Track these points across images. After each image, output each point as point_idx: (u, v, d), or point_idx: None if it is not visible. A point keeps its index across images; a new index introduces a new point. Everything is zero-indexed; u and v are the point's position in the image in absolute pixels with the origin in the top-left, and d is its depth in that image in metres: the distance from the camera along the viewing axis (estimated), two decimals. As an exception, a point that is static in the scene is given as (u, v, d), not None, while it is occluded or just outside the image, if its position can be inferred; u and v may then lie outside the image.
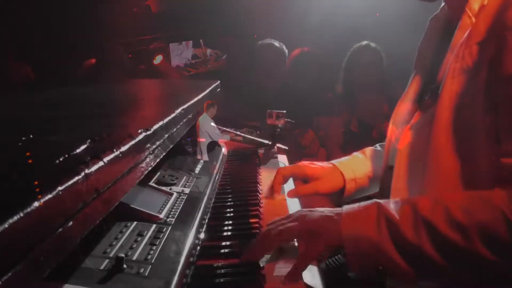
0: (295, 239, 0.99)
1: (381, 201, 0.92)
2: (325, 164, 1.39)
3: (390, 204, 0.89)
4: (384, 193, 1.19)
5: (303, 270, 0.92)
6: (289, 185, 1.45)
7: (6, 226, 0.37)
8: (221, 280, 0.90)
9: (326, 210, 0.97)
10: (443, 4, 1.15)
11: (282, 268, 0.95)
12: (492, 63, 0.86)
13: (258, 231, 1.13)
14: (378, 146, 1.49)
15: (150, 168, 0.80)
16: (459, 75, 0.93)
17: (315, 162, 1.39)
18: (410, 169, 1.06)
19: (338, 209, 0.95)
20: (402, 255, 0.84)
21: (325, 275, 1.32)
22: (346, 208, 0.94)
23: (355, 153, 1.46)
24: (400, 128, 1.17)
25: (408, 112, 1.16)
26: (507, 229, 0.75)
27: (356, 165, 1.39)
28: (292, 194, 1.32)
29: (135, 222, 0.99)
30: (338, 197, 1.39)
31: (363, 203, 0.93)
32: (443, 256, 0.81)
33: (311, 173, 1.33)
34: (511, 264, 0.78)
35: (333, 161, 1.41)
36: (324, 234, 0.92)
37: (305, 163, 1.38)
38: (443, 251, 0.81)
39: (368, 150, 1.46)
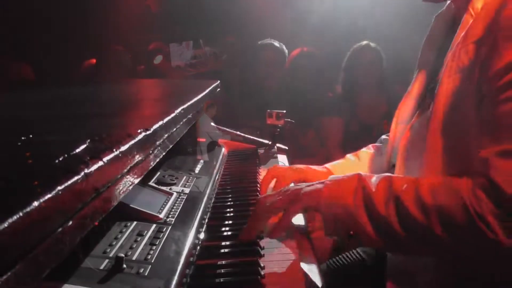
0: (278, 212, 1.06)
1: (364, 173, 0.98)
2: (319, 168, 1.41)
3: (373, 178, 0.96)
4: None
5: (285, 227, 1.04)
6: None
7: (6, 225, 0.37)
8: (221, 280, 0.90)
9: (310, 183, 1.06)
10: (448, 1, 1.15)
11: (282, 268, 0.96)
12: (483, 63, 0.87)
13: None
14: (371, 147, 1.49)
15: (150, 168, 0.80)
16: (455, 74, 0.93)
17: (310, 166, 1.41)
18: (407, 168, 1.08)
19: (322, 180, 1.04)
20: (372, 224, 0.91)
21: (325, 275, 1.33)
22: (331, 177, 1.04)
23: (348, 155, 1.48)
24: (403, 128, 1.18)
25: (411, 110, 1.17)
26: (464, 215, 0.80)
27: (349, 169, 1.38)
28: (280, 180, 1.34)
29: (135, 222, 0.99)
30: None
31: (347, 174, 1.01)
32: (405, 230, 0.87)
33: (303, 177, 1.35)
34: (460, 247, 0.84)
35: (327, 165, 1.43)
36: (305, 196, 1.01)
37: (299, 166, 1.40)
38: (406, 225, 0.87)
39: (363, 152, 1.48)
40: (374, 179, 0.95)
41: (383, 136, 1.50)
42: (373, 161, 1.43)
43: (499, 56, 0.83)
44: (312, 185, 1.04)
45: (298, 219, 1.17)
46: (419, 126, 1.06)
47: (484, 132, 0.85)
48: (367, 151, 1.48)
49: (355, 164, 1.43)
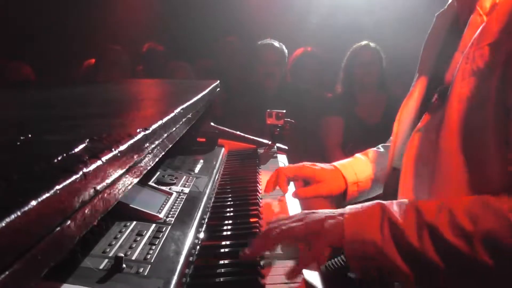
0: (295, 240, 0.96)
1: (384, 202, 0.90)
2: (327, 166, 1.37)
3: (394, 206, 0.88)
4: (388, 195, 1.16)
5: (306, 267, 0.92)
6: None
7: (4, 225, 0.37)
8: (221, 280, 0.90)
9: (329, 211, 0.95)
10: (450, 0, 1.13)
11: (281, 268, 0.95)
12: (506, 66, 0.82)
13: (258, 230, 1.13)
14: (381, 148, 1.48)
15: (149, 168, 0.80)
16: (470, 77, 0.89)
17: (317, 164, 1.38)
18: (417, 173, 1.03)
19: (341, 210, 0.94)
20: (404, 259, 0.82)
21: (325, 277, 1.32)
22: (350, 208, 0.93)
23: (357, 155, 1.45)
24: (406, 130, 1.14)
25: (415, 113, 1.13)
26: None
27: (359, 168, 1.37)
28: (293, 195, 1.31)
29: (134, 222, 0.99)
30: (339, 199, 1.38)
31: (366, 204, 0.92)
32: (446, 262, 0.79)
33: (312, 175, 1.32)
34: None
35: (335, 163, 1.39)
36: (326, 234, 0.90)
37: (306, 164, 1.36)
38: (445, 257, 0.79)
39: (371, 151, 1.45)
40: (396, 207, 0.87)
41: (390, 140, 1.48)
42: (380, 160, 1.40)
43: None
44: (333, 217, 0.93)
45: None
46: (428, 130, 1.00)
47: None
48: (375, 150, 1.45)
49: (364, 162, 1.39)
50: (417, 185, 1.02)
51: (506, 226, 0.74)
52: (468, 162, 0.88)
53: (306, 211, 1.00)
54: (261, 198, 1.37)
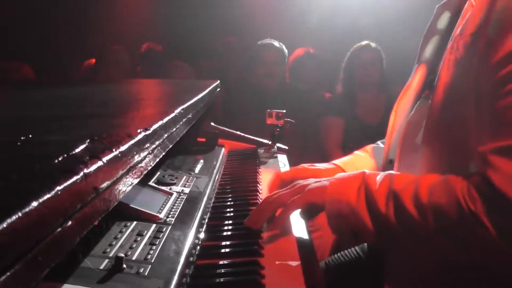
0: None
1: (368, 171, 0.99)
2: (326, 165, 1.37)
3: (377, 176, 0.96)
4: None
5: (285, 218, 1.04)
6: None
7: (5, 226, 0.37)
8: (221, 280, 0.90)
9: (319, 179, 1.07)
10: None
11: (281, 267, 0.95)
12: (481, 54, 0.83)
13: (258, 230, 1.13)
14: (380, 143, 1.48)
15: (149, 168, 0.80)
16: (453, 67, 0.91)
17: (315, 164, 1.37)
18: (406, 162, 1.07)
19: (330, 177, 1.05)
20: (373, 221, 0.91)
21: (325, 274, 1.32)
22: (337, 175, 1.04)
23: (356, 152, 1.46)
24: (402, 121, 1.15)
25: (410, 103, 1.14)
26: (457, 213, 0.80)
27: (360, 164, 1.37)
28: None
29: (134, 222, 0.99)
30: None
31: (353, 172, 1.03)
32: (403, 228, 0.88)
33: (312, 175, 1.28)
34: (455, 245, 0.84)
35: (336, 161, 1.38)
36: (309, 191, 1.02)
37: (304, 165, 1.35)
38: (403, 223, 0.88)
39: (369, 147, 1.46)
40: (379, 177, 0.95)
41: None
42: (379, 154, 1.41)
43: (498, 47, 0.80)
44: (319, 181, 1.04)
45: (298, 221, 1.17)
46: (418, 119, 1.04)
47: (483, 128, 0.81)
48: (373, 145, 1.46)
49: (364, 158, 1.40)
50: (406, 168, 1.06)
51: (453, 202, 0.81)
52: (450, 150, 0.91)
53: (298, 181, 1.11)
54: (262, 198, 1.37)
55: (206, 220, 1.18)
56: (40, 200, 0.42)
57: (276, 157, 1.92)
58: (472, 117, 0.85)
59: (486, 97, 0.82)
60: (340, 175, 1.03)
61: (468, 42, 0.88)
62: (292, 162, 1.86)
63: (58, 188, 0.46)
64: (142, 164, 0.76)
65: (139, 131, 0.75)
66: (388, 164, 1.20)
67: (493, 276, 0.88)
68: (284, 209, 1.04)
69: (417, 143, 1.00)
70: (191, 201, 1.21)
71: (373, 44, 3.02)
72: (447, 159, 0.91)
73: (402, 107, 1.18)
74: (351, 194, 0.95)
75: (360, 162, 1.38)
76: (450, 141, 0.91)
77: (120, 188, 0.65)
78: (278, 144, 1.98)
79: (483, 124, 0.82)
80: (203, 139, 1.85)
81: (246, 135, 2.07)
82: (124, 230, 0.95)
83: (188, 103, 1.18)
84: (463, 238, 0.81)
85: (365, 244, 1.33)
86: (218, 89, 1.91)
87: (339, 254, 1.42)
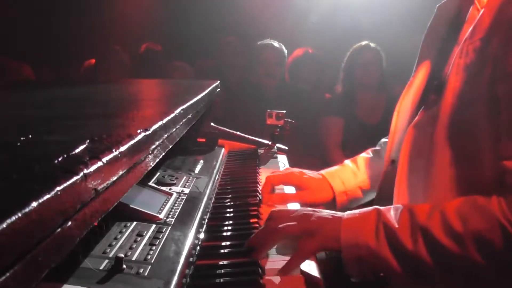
0: (291, 239, 0.98)
1: (381, 208, 0.92)
2: (314, 174, 1.39)
3: (391, 211, 0.90)
4: (386, 187, 1.17)
5: (297, 266, 0.93)
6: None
7: (4, 226, 0.37)
8: (221, 280, 0.90)
9: (327, 214, 0.97)
10: None
11: (277, 262, 0.95)
12: (495, 60, 0.82)
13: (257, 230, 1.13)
14: (370, 153, 1.47)
15: (149, 168, 0.80)
16: (463, 72, 0.89)
17: (305, 171, 1.39)
18: (412, 167, 1.04)
19: (340, 214, 0.96)
20: (399, 262, 0.84)
21: (324, 264, 1.31)
22: (348, 213, 0.95)
23: (346, 161, 1.45)
24: (404, 123, 1.14)
25: (413, 106, 1.13)
26: (502, 238, 0.74)
27: (345, 176, 1.37)
28: (278, 200, 1.30)
29: (134, 222, 0.99)
30: (330, 207, 1.38)
31: (364, 209, 0.94)
32: (439, 263, 0.81)
33: (299, 183, 1.34)
34: (504, 274, 0.77)
35: (323, 172, 1.40)
36: (322, 234, 0.93)
37: (294, 171, 1.38)
38: (438, 258, 0.81)
39: (361, 159, 1.44)
40: (393, 212, 0.89)
41: (383, 140, 1.49)
42: (371, 166, 1.40)
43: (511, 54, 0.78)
44: (329, 218, 0.95)
45: None
46: (424, 124, 1.01)
47: (507, 139, 0.79)
48: (365, 156, 1.45)
49: (353, 171, 1.39)
50: (411, 179, 1.04)
51: (495, 227, 0.75)
52: (461, 157, 0.89)
53: (306, 209, 1.02)
54: (261, 199, 1.37)
55: (206, 221, 1.18)
56: (40, 201, 0.42)
57: (276, 157, 1.92)
58: (483, 123, 0.83)
59: (506, 105, 0.79)
60: (350, 213, 0.95)
61: (478, 47, 0.86)
62: (292, 162, 1.86)
63: (58, 188, 0.46)
64: (142, 165, 0.76)
65: (139, 131, 0.75)
66: (390, 164, 1.20)
67: None
68: (296, 256, 0.94)
69: (425, 148, 0.97)
70: (191, 201, 1.21)
71: (373, 44, 3.02)
72: (457, 166, 0.89)
73: (405, 108, 1.17)
74: (369, 236, 0.87)
75: (346, 174, 1.38)
76: (460, 147, 0.89)
77: (120, 189, 0.65)
78: (278, 145, 1.98)
79: (507, 136, 0.79)
80: (203, 139, 1.85)
81: (246, 135, 2.07)
82: (124, 230, 0.95)
83: (188, 103, 1.18)
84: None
85: None
86: (218, 89, 1.91)
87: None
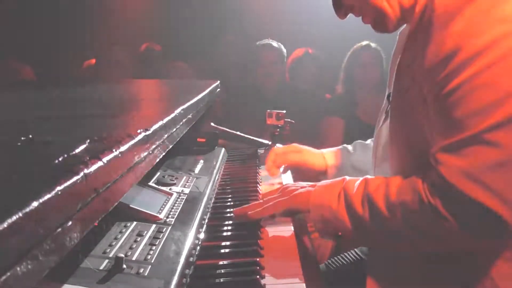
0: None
1: (349, 177, 1.07)
2: (315, 150, 1.54)
3: (356, 181, 1.04)
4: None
5: (266, 214, 1.12)
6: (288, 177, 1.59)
7: (5, 226, 0.37)
8: (221, 280, 0.90)
9: (305, 184, 1.15)
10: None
11: (282, 268, 0.95)
12: (419, 60, 0.90)
13: (258, 231, 1.13)
14: (369, 141, 1.52)
15: (149, 168, 0.80)
16: (400, 76, 1.00)
17: (308, 149, 1.53)
18: (381, 168, 1.16)
19: (315, 183, 1.12)
20: (352, 223, 0.99)
21: (325, 276, 1.33)
22: (321, 182, 1.12)
23: (344, 145, 1.55)
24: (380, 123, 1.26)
25: (382, 113, 1.24)
26: (420, 208, 0.88)
27: (341, 154, 1.49)
28: (281, 160, 1.49)
29: (134, 222, 0.99)
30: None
31: (336, 179, 1.10)
32: (377, 226, 0.96)
33: (299, 150, 1.51)
34: (425, 237, 0.91)
35: (323, 150, 1.54)
36: (296, 197, 1.10)
37: (299, 147, 1.53)
38: (376, 221, 0.96)
39: (358, 143, 1.53)
40: (356, 182, 1.03)
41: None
42: (367, 149, 1.46)
43: (430, 51, 0.86)
44: (305, 187, 1.12)
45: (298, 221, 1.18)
46: (385, 129, 1.14)
47: (433, 130, 0.90)
48: (364, 142, 1.53)
49: (346, 152, 1.50)
50: (384, 168, 1.15)
51: (416, 198, 0.89)
52: (413, 159, 0.99)
53: (287, 184, 1.20)
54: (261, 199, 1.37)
55: (206, 221, 1.18)
56: (40, 200, 0.42)
57: (276, 157, 1.91)
58: (424, 123, 0.92)
59: (430, 101, 0.89)
60: (323, 182, 1.11)
61: (407, 48, 0.98)
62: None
63: (58, 188, 0.46)
64: (142, 165, 0.76)
65: (139, 131, 0.75)
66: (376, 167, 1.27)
67: (465, 268, 0.94)
68: (269, 206, 1.12)
69: (387, 151, 1.08)
70: (191, 201, 1.21)
71: (373, 44, 3.02)
72: (411, 166, 0.98)
73: (379, 117, 1.27)
74: (332, 199, 1.03)
75: (342, 153, 1.49)
76: (410, 149, 0.99)
77: (120, 189, 0.65)
78: (278, 145, 1.98)
79: (432, 127, 0.90)
80: (203, 139, 1.85)
81: (246, 135, 2.07)
82: (124, 230, 0.95)
83: (188, 103, 1.18)
84: (428, 230, 0.89)
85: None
86: (218, 89, 1.91)
87: (339, 256, 1.43)
